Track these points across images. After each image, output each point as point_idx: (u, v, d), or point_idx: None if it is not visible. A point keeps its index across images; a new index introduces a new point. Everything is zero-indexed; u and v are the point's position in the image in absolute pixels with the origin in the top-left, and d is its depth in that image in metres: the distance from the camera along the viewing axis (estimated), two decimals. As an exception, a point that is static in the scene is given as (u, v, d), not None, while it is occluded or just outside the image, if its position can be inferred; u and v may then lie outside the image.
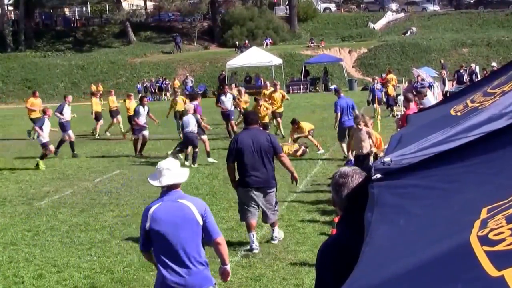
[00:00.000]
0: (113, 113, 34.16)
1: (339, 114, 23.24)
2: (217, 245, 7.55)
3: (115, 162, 25.41)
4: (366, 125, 16.65)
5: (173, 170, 7.48)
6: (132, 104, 31.09)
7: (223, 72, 66.83)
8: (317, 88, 66.25)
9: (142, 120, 26.40)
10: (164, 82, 69.21)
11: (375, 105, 33.82)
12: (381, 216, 3.95)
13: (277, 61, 65.96)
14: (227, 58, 71.13)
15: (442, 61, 63.23)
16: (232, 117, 30.32)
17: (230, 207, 16.87)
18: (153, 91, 68.31)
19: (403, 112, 20.64)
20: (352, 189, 5.01)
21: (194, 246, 7.35)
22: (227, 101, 30.11)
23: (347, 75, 68.55)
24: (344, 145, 22.28)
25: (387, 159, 5.00)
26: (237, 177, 12.71)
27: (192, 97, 27.21)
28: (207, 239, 7.43)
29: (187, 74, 71.78)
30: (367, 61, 74.42)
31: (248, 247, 13.09)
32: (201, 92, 65.76)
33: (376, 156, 15.99)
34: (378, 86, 36.88)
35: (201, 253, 7.41)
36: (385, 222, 3.87)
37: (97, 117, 34.72)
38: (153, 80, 70.20)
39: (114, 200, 18.47)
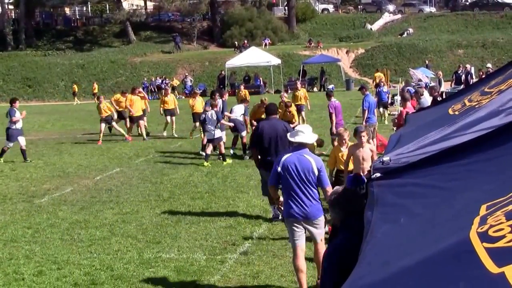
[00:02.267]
0: (167, 112, 32.22)
1: (366, 110, 23.35)
2: (325, 192, 9.99)
3: (115, 160, 25.42)
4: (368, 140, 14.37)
5: (305, 133, 10.16)
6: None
7: (223, 72, 66.91)
8: (315, 88, 66.31)
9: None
10: (164, 82, 68.89)
11: (381, 109, 33.19)
12: (382, 215, 3.94)
13: (276, 61, 66.24)
14: (226, 58, 71.42)
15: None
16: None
17: (229, 205, 16.94)
18: (153, 90, 68.04)
19: (399, 111, 20.74)
20: (344, 204, 5.53)
21: (311, 187, 10.00)
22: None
23: (344, 75, 68.92)
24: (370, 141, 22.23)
25: (386, 158, 5.06)
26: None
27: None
28: (320, 186, 10.06)
29: (187, 74, 71.80)
30: (365, 62, 74.75)
31: (246, 247, 13.36)
32: (201, 91, 65.89)
33: None
34: (385, 89, 35.48)
35: (316, 193, 10.09)
36: (386, 221, 3.85)
37: None
38: (153, 79, 70.20)
39: (114, 198, 18.50)
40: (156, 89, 68.35)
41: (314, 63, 69.29)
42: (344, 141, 13.88)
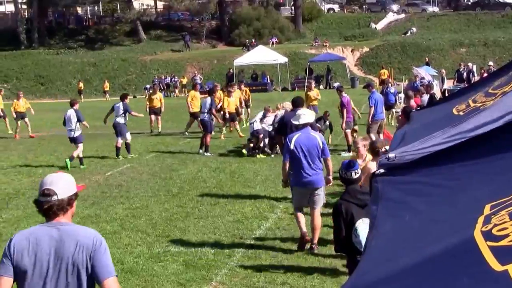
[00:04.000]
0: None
1: (373, 107, 23.29)
2: (326, 161, 12.28)
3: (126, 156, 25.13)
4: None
5: (306, 114, 12.43)
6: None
7: (231, 70, 66.84)
8: (321, 85, 64.63)
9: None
10: (173, 79, 69.48)
11: (392, 110, 31.66)
12: (386, 211, 3.90)
13: (283, 59, 66.32)
14: (234, 56, 71.56)
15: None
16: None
17: (236, 199, 16.95)
18: (163, 87, 66.54)
19: (402, 109, 19.84)
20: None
21: (316, 159, 12.08)
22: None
23: (349, 73, 69.21)
24: (373, 136, 21.55)
25: (391, 155, 4.97)
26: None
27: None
28: (323, 156, 12.15)
29: (196, 72, 71.61)
30: (369, 60, 74.91)
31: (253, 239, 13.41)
32: (209, 89, 62.55)
33: None
34: (392, 89, 32.48)
35: (320, 165, 12.13)
36: (390, 217, 3.82)
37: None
38: (163, 77, 69.89)
39: (124, 193, 18.44)
40: (165, 87, 67.58)
41: (320, 61, 69.53)
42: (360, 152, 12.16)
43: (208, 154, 24.80)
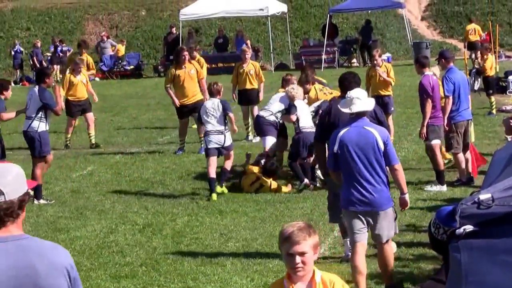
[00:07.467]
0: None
1: (450, 97, 15.29)
2: (394, 171, 9.29)
3: None
4: None
5: (362, 99, 9.24)
6: None
7: (174, 30, 41.25)
8: (354, 59, 40.45)
9: None
10: (60, 49, 42.44)
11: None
12: None
13: (277, 8, 39.65)
14: (180, 3, 47.01)
15: None
16: None
17: None
18: (35, 64, 41.04)
19: None
20: None
21: (377, 168, 9.13)
22: None
23: (411, 34, 41.35)
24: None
25: (485, 196, 3.57)
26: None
27: None
28: (386, 164, 9.19)
29: (104, 33, 44.91)
30: (450, 8, 45.43)
31: None
32: (132, 67, 42.12)
33: None
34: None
35: (384, 176, 9.20)
36: None
37: None
38: (39, 44, 43.22)
39: None
40: (38, 63, 41.12)
41: (351, 10, 42.22)
42: None
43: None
